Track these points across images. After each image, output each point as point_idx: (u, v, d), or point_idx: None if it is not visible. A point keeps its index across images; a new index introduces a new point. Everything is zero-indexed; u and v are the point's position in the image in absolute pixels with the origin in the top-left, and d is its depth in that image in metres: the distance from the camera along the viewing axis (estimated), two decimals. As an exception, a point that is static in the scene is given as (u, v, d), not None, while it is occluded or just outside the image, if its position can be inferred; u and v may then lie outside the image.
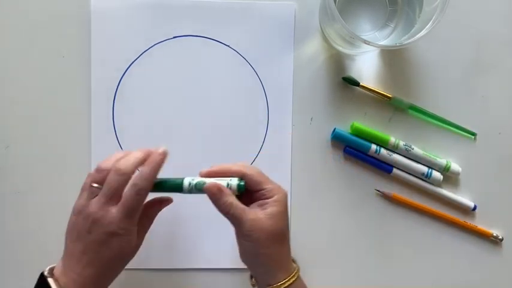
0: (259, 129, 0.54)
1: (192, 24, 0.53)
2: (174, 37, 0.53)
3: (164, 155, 0.42)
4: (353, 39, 0.48)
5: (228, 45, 0.53)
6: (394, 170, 0.54)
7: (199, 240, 0.53)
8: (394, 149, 0.54)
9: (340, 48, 0.53)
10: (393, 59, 0.54)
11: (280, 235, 0.42)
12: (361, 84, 0.53)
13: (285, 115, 0.54)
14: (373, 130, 0.53)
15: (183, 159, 0.53)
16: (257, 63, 0.54)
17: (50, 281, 0.40)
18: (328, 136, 0.54)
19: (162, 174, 0.43)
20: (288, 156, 0.54)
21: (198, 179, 0.43)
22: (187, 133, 0.53)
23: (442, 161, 0.54)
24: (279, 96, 0.54)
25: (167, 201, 0.47)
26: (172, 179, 0.43)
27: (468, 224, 0.55)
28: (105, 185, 0.41)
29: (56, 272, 0.41)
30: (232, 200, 0.41)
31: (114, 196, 0.40)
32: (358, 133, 0.53)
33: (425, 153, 0.54)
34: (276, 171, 0.54)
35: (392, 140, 0.53)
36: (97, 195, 0.41)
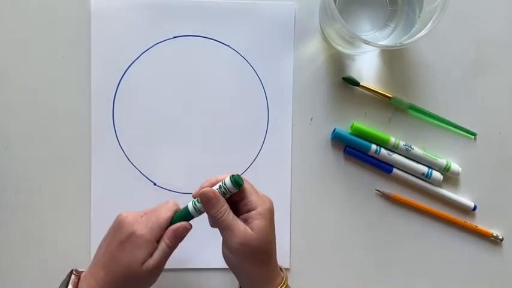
0: (259, 129, 0.54)
1: (192, 24, 0.53)
2: (174, 37, 0.53)
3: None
4: (353, 39, 0.48)
5: (228, 45, 0.53)
6: (394, 170, 0.54)
7: (199, 240, 0.53)
8: (394, 149, 0.54)
9: (340, 48, 0.53)
10: (393, 59, 0.54)
11: (265, 251, 0.42)
12: (361, 84, 0.53)
13: (285, 115, 0.54)
14: (373, 130, 0.53)
15: (183, 159, 0.53)
16: (257, 63, 0.53)
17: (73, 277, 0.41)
18: (328, 136, 0.54)
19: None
20: (288, 156, 0.54)
21: (196, 199, 0.43)
22: (187, 133, 0.53)
23: (442, 161, 0.54)
24: (279, 96, 0.54)
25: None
26: (180, 210, 0.44)
27: (468, 224, 0.55)
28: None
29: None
30: (227, 207, 0.41)
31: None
32: (358, 133, 0.53)
33: (425, 153, 0.54)
34: (276, 171, 0.54)
35: (393, 140, 0.53)
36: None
